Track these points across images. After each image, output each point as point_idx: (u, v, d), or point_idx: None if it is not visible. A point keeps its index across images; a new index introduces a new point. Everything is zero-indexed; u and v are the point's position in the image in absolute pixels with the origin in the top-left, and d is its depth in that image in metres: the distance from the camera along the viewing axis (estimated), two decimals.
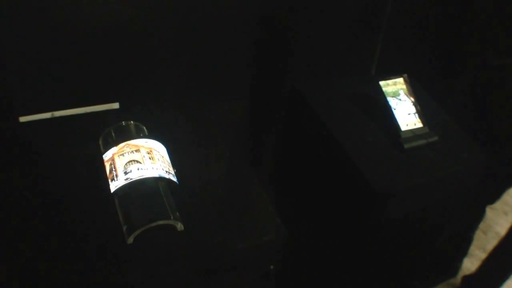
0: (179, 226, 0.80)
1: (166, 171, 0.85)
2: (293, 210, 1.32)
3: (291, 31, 1.29)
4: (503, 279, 1.58)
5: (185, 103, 1.19)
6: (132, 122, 0.94)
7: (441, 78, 1.39)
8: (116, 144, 0.86)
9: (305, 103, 1.20)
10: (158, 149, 0.88)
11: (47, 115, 1.06)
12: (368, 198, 1.05)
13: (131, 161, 0.83)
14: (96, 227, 0.81)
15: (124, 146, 0.86)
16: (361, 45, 1.38)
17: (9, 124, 1.02)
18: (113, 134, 0.91)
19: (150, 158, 0.84)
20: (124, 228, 0.78)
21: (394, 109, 1.10)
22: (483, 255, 1.70)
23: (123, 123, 0.93)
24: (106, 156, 0.86)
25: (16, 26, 0.96)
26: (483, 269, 1.63)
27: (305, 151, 1.27)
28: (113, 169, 0.83)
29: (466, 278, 1.69)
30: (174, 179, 0.86)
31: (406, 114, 1.11)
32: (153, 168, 0.83)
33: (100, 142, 0.91)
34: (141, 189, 0.81)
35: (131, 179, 0.80)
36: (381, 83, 1.11)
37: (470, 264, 1.73)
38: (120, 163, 0.83)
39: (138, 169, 0.82)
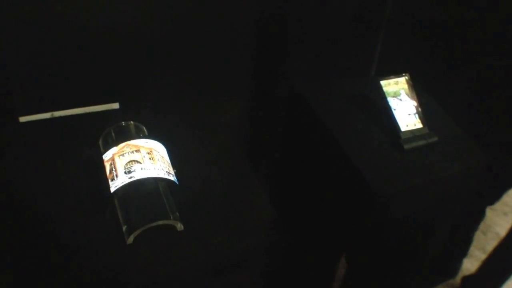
0: (179, 226, 0.80)
1: (166, 172, 0.85)
2: (293, 210, 1.32)
3: (291, 32, 1.29)
4: (503, 280, 1.58)
5: (185, 103, 1.19)
6: (132, 122, 0.94)
7: (441, 79, 1.39)
8: (116, 144, 0.86)
9: (305, 104, 1.20)
10: (158, 149, 0.88)
11: (47, 115, 1.06)
12: (368, 199, 1.05)
13: (131, 161, 0.83)
14: (96, 227, 0.81)
15: (124, 146, 0.86)
16: (361, 46, 1.38)
17: (9, 124, 1.02)
18: (113, 134, 0.91)
19: (150, 158, 0.84)
20: (124, 228, 0.78)
21: (394, 109, 1.10)
22: (483, 256, 1.70)
23: (123, 123, 0.93)
24: (106, 156, 0.86)
25: (17, 26, 0.96)
26: (483, 270, 1.63)
27: (305, 151, 1.27)
28: (113, 169, 0.83)
29: (466, 279, 1.70)
30: (174, 179, 0.86)
31: (406, 115, 1.11)
32: (153, 168, 0.83)
33: (100, 142, 0.91)
34: (141, 189, 0.81)
35: (131, 179, 0.80)
36: (382, 82, 1.11)
37: (470, 264, 1.73)
38: (120, 163, 0.83)
39: (138, 169, 0.82)
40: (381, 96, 1.11)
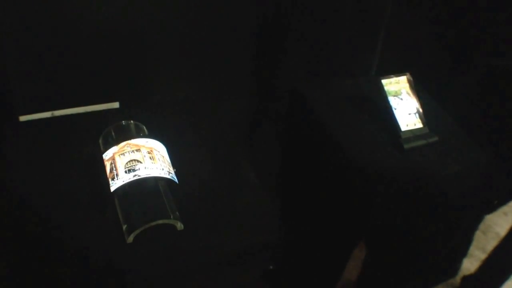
0: (179, 225, 0.80)
1: (166, 171, 0.85)
2: (293, 210, 1.32)
3: (291, 31, 1.29)
4: (503, 280, 1.58)
5: (185, 103, 1.19)
6: (132, 121, 0.94)
7: (441, 79, 1.39)
8: (116, 143, 0.86)
9: (305, 103, 1.20)
10: (159, 148, 0.88)
11: (47, 115, 1.06)
12: (368, 198, 1.05)
13: (132, 160, 0.83)
14: (96, 226, 0.81)
15: (125, 146, 0.86)
16: (362, 46, 1.38)
17: (9, 123, 1.02)
18: (113, 133, 0.91)
19: (151, 157, 0.84)
20: (124, 227, 0.78)
21: (395, 108, 1.10)
22: (482, 256, 1.70)
23: (123, 122, 0.93)
24: (107, 155, 0.86)
25: (16, 25, 0.96)
26: (482, 270, 1.63)
27: (305, 151, 1.27)
28: (114, 168, 0.83)
29: (466, 279, 1.69)
30: (174, 179, 0.86)
31: (406, 114, 1.11)
32: (153, 168, 0.83)
33: (100, 141, 0.91)
34: (141, 188, 0.81)
35: (132, 178, 0.80)
36: (384, 81, 1.11)
37: (470, 264, 1.73)
38: (121, 163, 0.83)
39: (138, 168, 0.82)
40: (382, 95, 1.11)
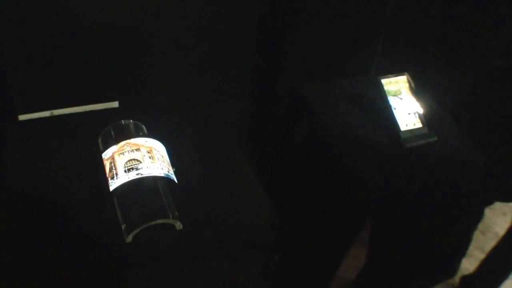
0: (178, 225, 0.80)
1: (166, 171, 0.85)
2: (292, 209, 1.32)
3: (291, 31, 1.29)
4: (502, 280, 1.58)
5: (185, 102, 1.18)
6: (131, 121, 0.94)
7: (441, 78, 1.39)
8: (116, 142, 0.86)
9: (305, 103, 1.20)
10: (158, 148, 0.88)
11: (46, 114, 1.06)
12: (367, 198, 1.05)
13: (131, 160, 0.83)
14: (95, 226, 0.81)
15: (124, 145, 0.85)
16: (361, 46, 1.38)
17: (8, 122, 1.02)
18: (112, 133, 0.90)
19: (150, 157, 0.84)
20: (123, 226, 0.78)
21: (395, 108, 1.10)
22: (481, 256, 1.70)
23: (123, 122, 0.93)
24: (106, 154, 0.86)
25: (16, 24, 0.96)
26: (481, 270, 1.63)
27: (304, 151, 1.27)
28: (113, 168, 0.83)
29: (465, 279, 1.70)
30: (174, 178, 0.86)
31: (406, 114, 1.11)
32: (153, 167, 0.83)
33: (100, 140, 0.91)
34: (141, 188, 0.81)
35: (132, 177, 0.80)
36: (383, 81, 1.11)
37: (469, 264, 1.73)
38: (120, 162, 0.83)
39: (138, 168, 0.82)
40: (382, 95, 1.11)
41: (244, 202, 0.92)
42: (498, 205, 1.90)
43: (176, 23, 1.11)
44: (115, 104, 1.12)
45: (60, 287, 0.75)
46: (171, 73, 1.18)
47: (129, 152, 0.84)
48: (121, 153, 0.84)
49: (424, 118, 1.13)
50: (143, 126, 0.95)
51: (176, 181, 0.86)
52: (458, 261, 1.73)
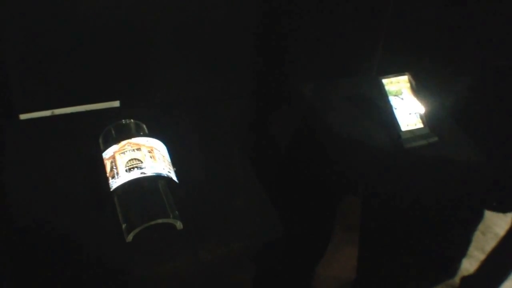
0: (178, 224, 0.80)
1: (167, 170, 0.85)
2: (293, 210, 1.32)
3: (292, 31, 1.29)
4: (502, 280, 1.58)
5: (186, 102, 1.18)
6: (132, 120, 0.94)
7: (442, 79, 1.39)
8: (117, 142, 0.86)
9: (306, 103, 1.20)
10: (159, 148, 0.88)
11: (47, 113, 1.06)
12: (367, 199, 1.05)
13: (132, 159, 0.83)
14: (95, 225, 0.81)
15: (125, 144, 0.85)
16: (363, 45, 1.38)
17: (9, 122, 1.02)
18: (113, 132, 0.90)
19: (151, 157, 0.84)
20: (124, 226, 0.78)
21: (395, 108, 1.10)
22: (481, 256, 1.70)
23: (124, 121, 0.93)
24: (107, 154, 0.86)
25: (16, 23, 0.96)
26: (481, 270, 1.63)
27: (305, 151, 1.27)
28: (114, 167, 0.83)
29: (465, 279, 1.69)
30: (174, 178, 0.86)
31: (407, 114, 1.11)
32: (153, 167, 0.83)
33: (100, 140, 0.91)
34: (141, 187, 0.81)
35: (133, 177, 0.80)
36: (384, 81, 1.11)
37: (469, 265, 1.73)
38: (121, 161, 0.83)
39: (139, 167, 0.82)
40: (383, 95, 1.11)
41: (245, 202, 0.92)
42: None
43: (178, 22, 1.11)
44: (116, 103, 1.12)
45: (60, 287, 0.75)
46: (172, 73, 1.18)
47: (130, 151, 0.84)
48: (122, 153, 0.84)
49: (425, 119, 1.13)
50: (144, 126, 0.95)
51: (176, 180, 0.86)
52: (458, 262, 1.73)
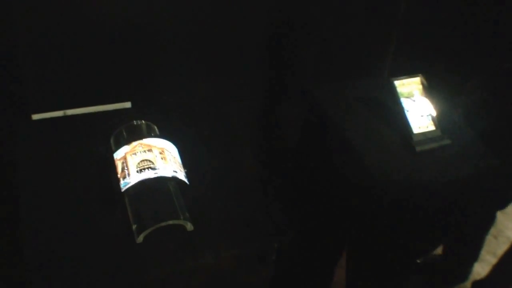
0: (189, 226, 0.80)
1: (177, 172, 0.85)
2: (302, 211, 1.31)
3: (303, 32, 1.29)
4: None
5: (196, 104, 1.19)
6: (143, 121, 0.94)
7: (454, 81, 1.38)
8: (128, 143, 0.87)
9: (317, 104, 1.20)
10: (170, 149, 0.88)
11: (59, 113, 1.07)
12: (379, 201, 1.04)
13: (143, 160, 0.83)
14: (106, 226, 0.81)
15: (137, 145, 0.86)
16: (374, 47, 1.37)
17: (21, 122, 1.03)
18: (124, 133, 0.91)
19: (162, 158, 0.84)
20: (134, 227, 0.78)
21: (407, 110, 1.09)
22: (493, 260, 1.69)
23: (135, 122, 0.93)
24: (118, 154, 0.86)
25: (30, 25, 0.96)
26: (493, 274, 1.62)
27: (316, 152, 1.26)
28: (125, 168, 0.83)
29: (477, 283, 1.68)
30: (185, 179, 0.86)
31: (419, 116, 1.10)
32: (164, 168, 0.83)
33: (112, 141, 0.91)
34: (152, 188, 0.81)
35: (144, 178, 0.80)
36: (396, 82, 1.10)
37: (481, 269, 1.71)
38: (132, 162, 0.83)
39: (150, 168, 0.82)
40: (395, 97, 1.10)
41: (255, 204, 0.92)
42: (510, 209, 1.88)
43: (189, 25, 1.11)
44: (128, 104, 1.12)
45: (70, 286, 0.75)
46: (183, 75, 1.18)
47: (141, 152, 0.84)
48: (133, 154, 0.84)
49: (437, 121, 1.12)
50: (155, 127, 0.95)
51: (187, 182, 0.86)
52: (470, 266, 1.72)
